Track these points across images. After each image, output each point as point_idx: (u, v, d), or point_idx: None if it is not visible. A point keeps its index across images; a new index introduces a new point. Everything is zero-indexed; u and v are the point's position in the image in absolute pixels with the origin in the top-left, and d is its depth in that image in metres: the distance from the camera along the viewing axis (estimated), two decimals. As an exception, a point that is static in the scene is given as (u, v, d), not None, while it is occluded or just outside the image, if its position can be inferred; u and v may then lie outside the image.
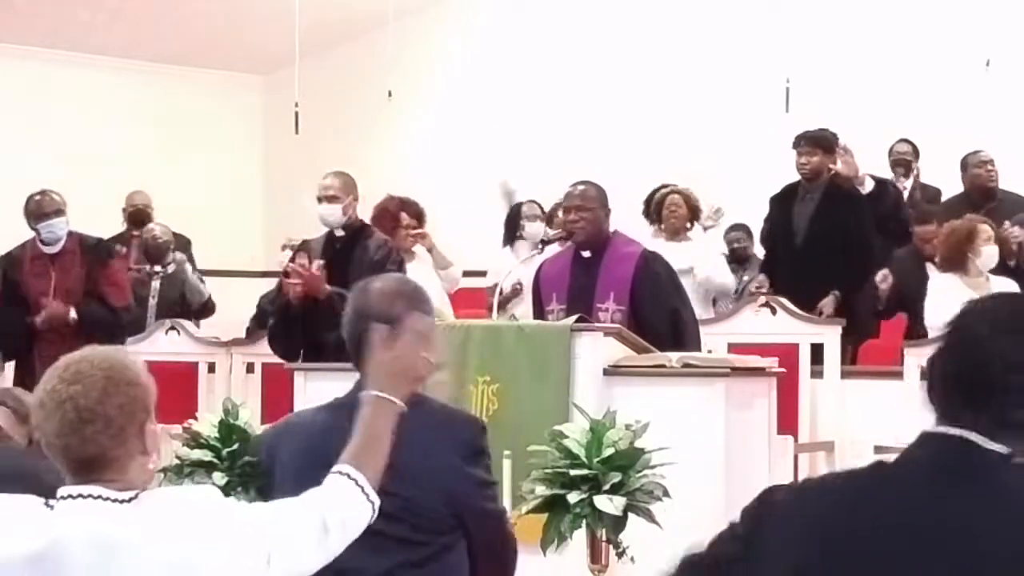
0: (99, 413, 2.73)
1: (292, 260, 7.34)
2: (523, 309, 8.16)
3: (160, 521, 2.71)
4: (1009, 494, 2.06)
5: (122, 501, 2.73)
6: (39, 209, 7.89)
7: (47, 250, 7.91)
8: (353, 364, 3.78)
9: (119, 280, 8.19)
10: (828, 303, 8.57)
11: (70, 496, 2.73)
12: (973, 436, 2.10)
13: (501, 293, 7.99)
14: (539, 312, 6.82)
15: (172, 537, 2.70)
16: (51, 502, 2.75)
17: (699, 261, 8.88)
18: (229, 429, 5.57)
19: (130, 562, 2.67)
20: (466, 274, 10.45)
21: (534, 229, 9.14)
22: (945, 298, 7.42)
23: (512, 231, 9.57)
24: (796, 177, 9.10)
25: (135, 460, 2.79)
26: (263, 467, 3.86)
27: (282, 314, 7.27)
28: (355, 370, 3.82)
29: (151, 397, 2.82)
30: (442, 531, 3.68)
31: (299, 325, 7.11)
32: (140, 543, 2.68)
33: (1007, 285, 7.40)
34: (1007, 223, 8.38)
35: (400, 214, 8.79)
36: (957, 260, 7.71)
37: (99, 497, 2.72)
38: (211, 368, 8.99)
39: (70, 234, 8.05)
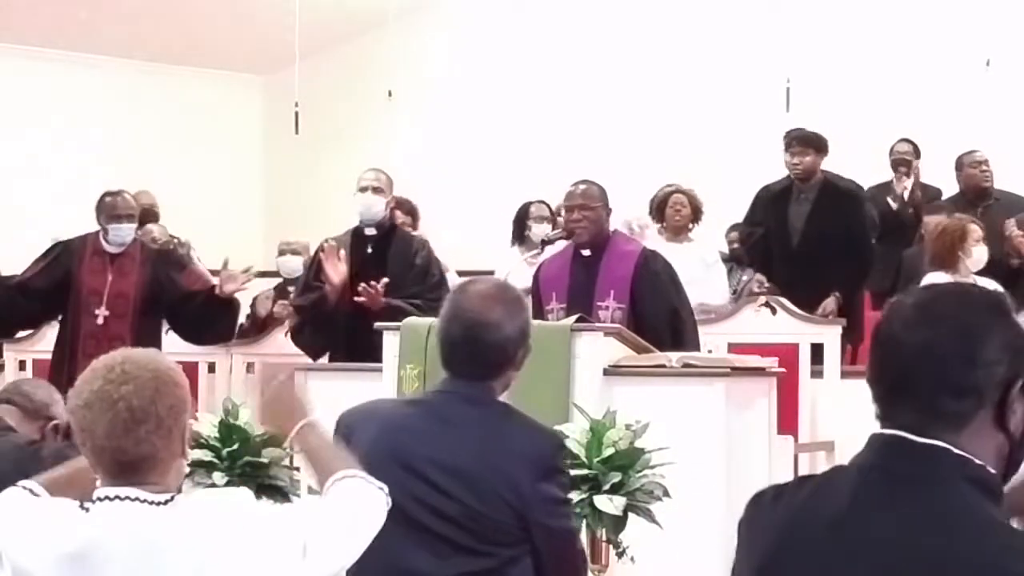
0: (151, 413, 2.72)
1: (320, 249, 7.28)
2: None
3: (196, 523, 2.71)
4: (934, 495, 2.04)
5: (159, 503, 2.72)
6: (113, 210, 7.84)
7: (109, 249, 7.87)
8: (443, 364, 3.83)
9: (207, 279, 8.08)
10: (830, 303, 8.57)
11: (107, 498, 2.72)
12: (905, 433, 2.09)
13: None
14: (538, 311, 6.81)
15: (208, 539, 2.70)
16: (87, 504, 2.74)
17: (697, 282, 8.81)
18: (229, 429, 5.57)
19: (167, 564, 2.67)
20: (468, 274, 10.44)
21: (541, 230, 9.13)
22: None
23: (520, 231, 9.58)
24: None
25: (176, 461, 2.79)
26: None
27: (316, 308, 7.25)
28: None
29: (190, 399, 2.84)
30: (507, 543, 3.64)
31: (339, 323, 7.10)
32: (177, 545, 2.68)
33: (989, 286, 7.41)
34: (1010, 222, 8.39)
35: (395, 213, 8.79)
36: (949, 260, 7.70)
37: (136, 499, 2.71)
38: (211, 368, 8.98)
39: (134, 239, 8.04)
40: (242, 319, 10.16)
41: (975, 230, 7.81)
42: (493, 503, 3.61)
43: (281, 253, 10.19)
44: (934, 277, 7.67)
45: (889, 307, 2.17)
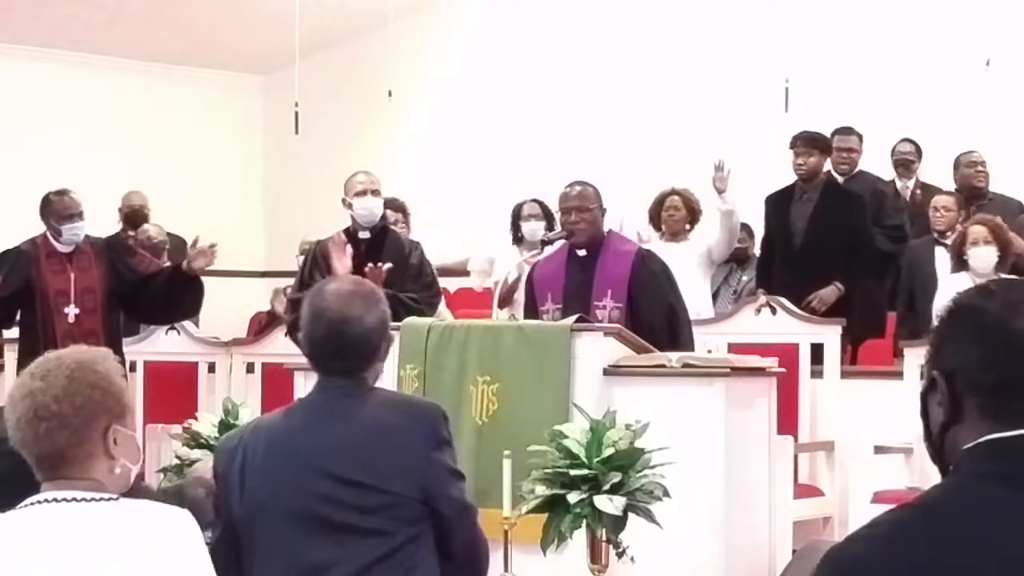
0: (55, 412, 2.74)
1: (326, 262, 7.31)
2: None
3: (132, 526, 2.71)
4: None
5: (98, 500, 2.73)
6: (65, 210, 7.87)
7: (62, 249, 7.89)
8: (313, 365, 3.86)
9: (155, 262, 8.23)
10: (829, 292, 8.58)
11: (45, 501, 2.74)
12: None
13: (506, 284, 7.98)
14: (533, 312, 6.82)
15: (148, 543, 2.69)
16: (26, 504, 2.75)
17: (689, 283, 8.84)
18: (229, 429, 5.58)
19: (98, 565, 2.66)
20: (469, 273, 10.47)
21: (530, 228, 9.13)
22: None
23: (515, 231, 9.58)
24: (796, 177, 9.10)
25: (99, 461, 2.78)
26: (219, 475, 3.83)
27: None
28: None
29: (116, 402, 2.81)
30: (411, 520, 3.69)
31: None
32: (117, 544, 2.68)
33: None
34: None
35: (384, 212, 8.79)
36: (961, 262, 7.83)
37: (73, 500, 2.72)
38: (211, 368, 8.98)
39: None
40: (249, 319, 10.21)
41: (974, 232, 7.84)
42: (395, 480, 3.66)
43: (303, 252, 10.17)
44: (955, 279, 7.72)
45: (977, 295, 2.06)
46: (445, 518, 3.74)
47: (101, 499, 2.73)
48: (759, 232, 9.55)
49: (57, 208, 7.88)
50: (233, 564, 3.73)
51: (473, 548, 3.86)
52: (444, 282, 9.02)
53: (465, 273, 10.74)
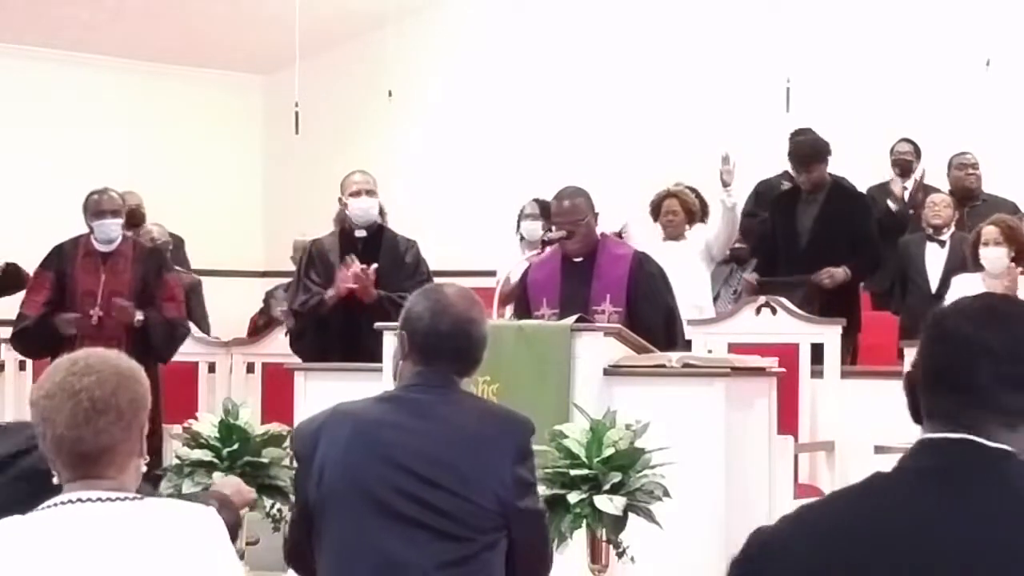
0: (112, 404, 2.74)
1: (342, 260, 7.31)
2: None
3: (161, 525, 2.71)
4: (1016, 493, 2.04)
5: (123, 500, 2.73)
6: (97, 207, 7.88)
7: (100, 248, 7.89)
8: (423, 359, 3.86)
9: (175, 294, 8.07)
10: (840, 271, 8.56)
11: (71, 501, 2.72)
12: (974, 437, 2.08)
13: (508, 283, 7.97)
14: (526, 314, 6.80)
15: (172, 542, 2.69)
16: (51, 504, 2.74)
17: (687, 280, 8.84)
18: (229, 429, 5.58)
19: (130, 564, 2.66)
20: (470, 274, 10.44)
21: (528, 228, 9.12)
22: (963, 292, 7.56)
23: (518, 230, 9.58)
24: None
25: (136, 458, 2.80)
26: (299, 457, 3.87)
27: (314, 313, 7.26)
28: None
29: (150, 399, 2.84)
30: (487, 529, 3.72)
31: (333, 327, 7.12)
32: (140, 544, 2.67)
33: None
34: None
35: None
36: (975, 263, 7.86)
37: (99, 500, 2.72)
38: (211, 368, 8.98)
39: (125, 237, 8.04)
40: (249, 317, 10.20)
41: (986, 232, 7.84)
42: (477, 489, 3.69)
43: (297, 251, 10.17)
44: (963, 278, 7.74)
45: (949, 312, 2.17)
46: (515, 528, 3.76)
47: (127, 498, 2.73)
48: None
49: (89, 204, 7.91)
50: (306, 546, 3.77)
51: (535, 554, 3.88)
52: (444, 281, 9.01)
53: (465, 273, 10.71)
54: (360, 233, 7.44)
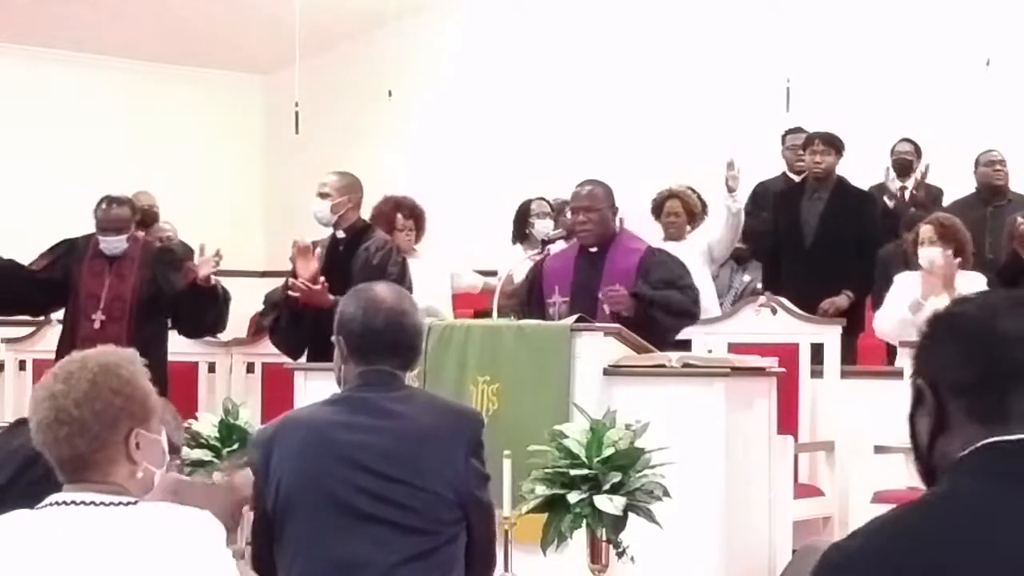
0: (75, 417, 2.71)
1: (294, 266, 7.31)
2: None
3: (153, 530, 2.68)
4: None
5: (117, 504, 2.70)
6: (100, 222, 7.85)
7: (107, 252, 7.88)
8: (359, 356, 3.89)
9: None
10: (842, 299, 8.57)
11: (63, 503, 2.71)
12: None
13: (511, 280, 7.98)
14: (539, 304, 6.87)
15: (166, 547, 2.66)
16: (43, 506, 2.73)
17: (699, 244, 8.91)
18: (229, 429, 5.60)
19: (116, 569, 2.64)
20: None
21: (543, 226, 9.14)
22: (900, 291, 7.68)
23: (521, 228, 9.58)
24: (799, 175, 9.09)
25: (120, 466, 2.75)
26: (255, 468, 3.86)
27: (287, 310, 7.28)
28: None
29: (140, 406, 2.77)
30: (447, 522, 3.78)
31: (305, 322, 7.12)
32: (134, 549, 2.65)
33: (975, 280, 7.46)
34: (1012, 217, 8.42)
35: (395, 216, 8.77)
36: (914, 260, 7.84)
37: (91, 503, 2.70)
38: (211, 368, 8.98)
39: (135, 239, 8.01)
40: (249, 318, 10.17)
41: (923, 231, 7.81)
42: (434, 479, 3.75)
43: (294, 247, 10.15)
44: (904, 276, 7.78)
45: (967, 302, 2.08)
46: (473, 519, 3.84)
47: (119, 503, 2.70)
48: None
49: (97, 213, 7.89)
50: (266, 557, 3.79)
51: (488, 547, 3.97)
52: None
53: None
54: (340, 234, 7.46)
